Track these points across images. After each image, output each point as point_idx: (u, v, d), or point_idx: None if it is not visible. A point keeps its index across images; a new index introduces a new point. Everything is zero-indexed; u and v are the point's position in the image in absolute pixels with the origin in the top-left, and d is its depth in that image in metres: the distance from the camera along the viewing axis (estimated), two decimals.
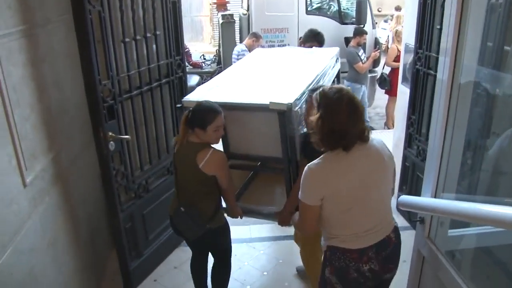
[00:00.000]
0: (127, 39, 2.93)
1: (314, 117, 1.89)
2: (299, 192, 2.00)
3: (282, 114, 2.46)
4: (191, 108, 2.51)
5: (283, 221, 2.70)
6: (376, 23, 7.87)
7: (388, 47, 8.92)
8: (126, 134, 2.97)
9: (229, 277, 2.95)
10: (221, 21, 7.17)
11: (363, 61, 6.49)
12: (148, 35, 3.13)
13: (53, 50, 2.53)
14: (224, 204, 2.79)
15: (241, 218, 2.89)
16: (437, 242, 2.34)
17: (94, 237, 3.13)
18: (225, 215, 2.80)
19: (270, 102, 2.46)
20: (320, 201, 1.94)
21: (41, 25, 2.40)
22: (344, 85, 6.84)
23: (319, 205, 1.95)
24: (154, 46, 3.23)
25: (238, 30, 7.42)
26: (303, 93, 2.61)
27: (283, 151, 2.62)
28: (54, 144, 2.49)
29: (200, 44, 13.59)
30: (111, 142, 2.79)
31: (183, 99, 2.80)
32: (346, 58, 6.56)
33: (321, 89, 1.95)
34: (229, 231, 2.80)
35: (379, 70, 7.44)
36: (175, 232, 2.75)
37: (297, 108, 2.51)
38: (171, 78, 3.42)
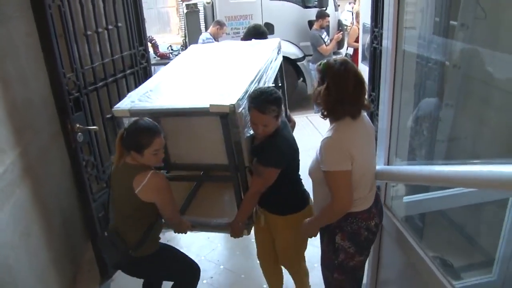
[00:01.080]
0: (89, 32, 2.98)
1: (320, 87, 1.98)
2: (327, 166, 1.99)
3: (225, 117, 2.24)
4: (125, 128, 2.25)
5: (236, 233, 2.53)
6: (339, 5, 7.99)
7: None
8: (93, 125, 3.03)
9: None
10: (185, 10, 7.20)
11: (326, 43, 6.62)
12: (110, 27, 3.18)
13: (15, 46, 2.57)
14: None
15: (191, 231, 2.62)
16: (393, 209, 2.51)
17: (68, 228, 3.19)
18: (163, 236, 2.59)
19: (210, 105, 2.23)
20: (351, 164, 1.97)
21: (1, 21, 2.43)
22: (310, 67, 7.00)
23: (351, 169, 1.98)
24: (116, 37, 3.29)
25: (203, 19, 7.45)
26: (246, 91, 2.38)
27: (228, 157, 2.39)
28: (22, 137, 2.54)
29: (168, 35, 13.48)
30: (79, 133, 2.85)
31: (113, 108, 2.47)
32: (310, 41, 6.71)
33: (325, 61, 2.04)
34: (167, 256, 2.54)
35: (343, 51, 7.60)
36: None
37: (240, 109, 2.28)
38: (135, 68, 3.49)
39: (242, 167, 2.40)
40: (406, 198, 2.65)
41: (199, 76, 2.86)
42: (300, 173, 2.55)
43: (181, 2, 8.63)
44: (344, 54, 7.00)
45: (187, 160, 2.67)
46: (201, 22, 7.40)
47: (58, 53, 2.66)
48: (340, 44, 7.21)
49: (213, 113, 2.24)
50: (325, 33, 6.78)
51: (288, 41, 7.03)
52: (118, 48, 3.31)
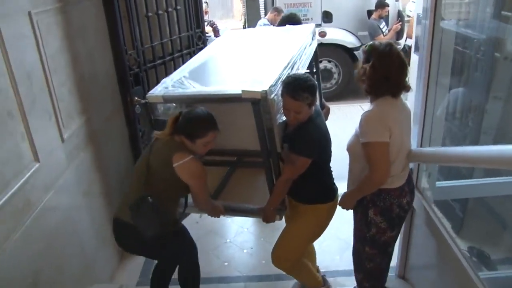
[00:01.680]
0: (150, 14, 3.26)
1: (365, 65, 2.13)
2: (367, 137, 2.10)
3: (257, 104, 2.23)
4: (182, 111, 2.31)
5: (268, 217, 2.53)
6: None
7: None
8: None
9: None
10: None
11: (384, 33, 6.61)
12: (170, 9, 3.45)
13: (84, 26, 2.87)
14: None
15: (223, 215, 2.67)
16: (425, 193, 2.60)
17: (123, 191, 3.52)
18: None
19: (242, 91, 2.22)
20: (389, 137, 2.09)
21: (73, 3, 2.74)
22: None
23: (389, 141, 2.10)
24: (175, 19, 3.56)
25: (263, 6, 7.63)
26: (279, 78, 2.37)
27: (261, 143, 2.37)
28: (88, 107, 2.86)
29: (231, 21, 13.83)
30: (137, 106, 3.15)
31: (147, 95, 2.51)
32: (368, 30, 6.72)
33: (371, 42, 2.20)
34: (183, 238, 2.60)
35: (402, 42, 7.52)
36: (118, 230, 2.44)
37: (273, 95, 2.27)
38: (192, 49, 3.75)
39: (274, 153, 2.41)
40: (439, 183, 2.73)
41: (232, 62, 2.94)
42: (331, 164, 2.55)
43: None
44: (402, 45, 6.93)
45: (221, 146, 2.61)
46: (261, 8, 7.59)
47: (121, 32, 2.97)
48: (399, 34, 7.14)
49: (246, 99, 2.23)
50: (383, 23, 6.77)
51: (346, 30, 7.08)
52: (176, 29, 3.58)
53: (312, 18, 7.06)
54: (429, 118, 2.52)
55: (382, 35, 6.52)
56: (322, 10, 7.06)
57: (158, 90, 2.48)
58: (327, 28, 7.06)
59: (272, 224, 2.64)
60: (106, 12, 2.96)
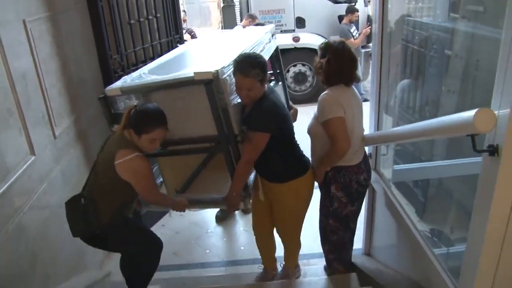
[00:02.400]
0: (132, 21, 3.52)
1: (322, 60, 2.44)
2: (326, 115, 2.37)
3: (209, 84, 2.25)
4: (136, 104, 2.36)
5: (232, 204, 2.53)
6: (369, 1, 8.29)
7: None
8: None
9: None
10: (222, 4, 7.74)
11: (355, 37, 6.97)
12: (150, 17, 3.72)
13: (72, 32, 3.11)
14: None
15: (188, 209, 2.67)
16: (384, 176, 2.90)
17: None
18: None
19: (194, 73, 2.27)
20: (344, 112, 2.38)
21: (61, 12, 2.98)
22: None
23: (344, 117, 2.38)
24: (155, 26, 3.83)
25: (239, 13, 7.95)
26: (232, 61, 2.41)
27: (217, 125, 2.37)
28: (76, 107, 3.09)
29: (208, 29, 14.11)
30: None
31: (106, 89, 2.58)
32: (339, 35, 7.04)
33: (325, 41, 2.52)
34: (129, 227, 2.55)
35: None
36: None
37: (225, 75, 2.32)
38: None
39: (231, 135, 2.40)
40: (396, 167, 3.03)
41: (191, 58, 3.09)
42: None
43: None
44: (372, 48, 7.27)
45: (177, 135, 2.59)
46: (236, 15, 7.90)
47: (106, 38, 3.22)
48: (369, 38, 7.51)
49: (198, 81, 2.26)
50: (354, 27, 7.12)
51: (319, 34, 7.42)
52: (156, 35, 3.85)
53: (286, 24, 7.41)
54: (383, 107, 2.84)
55: (352, 38, 6.87)
56: (295, 16, 7.41)
57: (116, 84, 2.57)
58: (300, 33, 7.42)
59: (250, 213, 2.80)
60: (92, 19, 3.21)
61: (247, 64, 2.30)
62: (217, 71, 2.24)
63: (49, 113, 2.70)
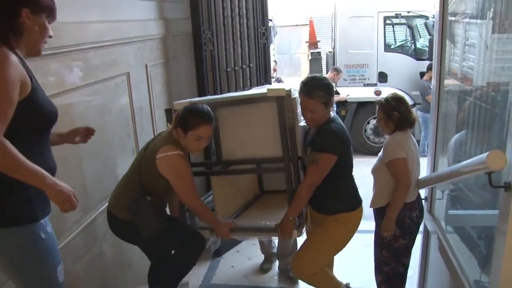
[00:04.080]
0: (228, 69, 4.11)
1: (395, 112, 2.63)
2: (390, 156, 2.56)
3: (281, 101, 2.29)
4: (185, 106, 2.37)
5: (285, 231, 2.38)
6: None
7: None
8: None
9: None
10: (309, 57, 8.31)
11: None
12: (244, 66, 4.30)
13: (179, 75, 3.74)
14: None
15: (233, 236, 2.53)
16: (437, 217, 3.06)
17: None
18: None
19: (268, 89, 2.35)
20: (406, 154, 2.59)
21: (172, 59, 3.62)
22: (418, 114, 7.53)
23: (407, 157, 2.59)
24: (248, 74, 4.40)
25: (325, 66, 8.46)
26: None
27: (282, 144, 2.36)
28: None
29: (298, 78, 14.70)
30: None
31: (174, 102, 2.66)
32: (419, 90, 7.30)
33: (388, 96, 2.70)
34: (174, 226, 2.50)
35: None
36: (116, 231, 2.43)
37: (295, 96, 2.40)
38: None
39: (295, 156, 2.37)
40: (451, 211, 3.16)
41: None
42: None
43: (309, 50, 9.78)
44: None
45: (238, 155, 2.57)
46: (323, 67, 8.42)
47: (206, 81, 3.82)
48: None
49: (270, 97, 2.31)
50: None
51: (400, 89, 7.67)
52: (248, 82, 4.40)
53: (368, 78, 7.80)
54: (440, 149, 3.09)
55: (431, 95, 7.04)
56: (378, 71, 7.78)
57: (185, 100, 2.60)
58: (382, 87, 7.75)
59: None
60: (196, 66, 3.84)
61: (312, 86, 2.34)
62: (289, 89, 2.37)
63: None
